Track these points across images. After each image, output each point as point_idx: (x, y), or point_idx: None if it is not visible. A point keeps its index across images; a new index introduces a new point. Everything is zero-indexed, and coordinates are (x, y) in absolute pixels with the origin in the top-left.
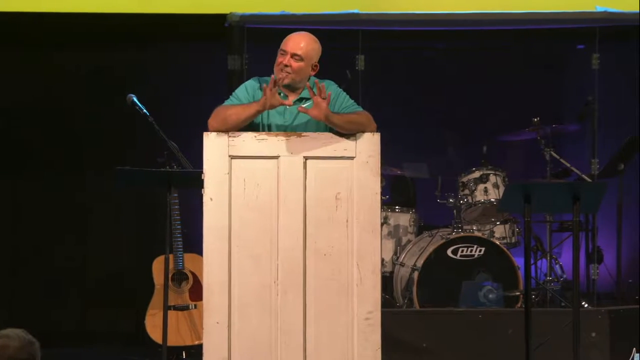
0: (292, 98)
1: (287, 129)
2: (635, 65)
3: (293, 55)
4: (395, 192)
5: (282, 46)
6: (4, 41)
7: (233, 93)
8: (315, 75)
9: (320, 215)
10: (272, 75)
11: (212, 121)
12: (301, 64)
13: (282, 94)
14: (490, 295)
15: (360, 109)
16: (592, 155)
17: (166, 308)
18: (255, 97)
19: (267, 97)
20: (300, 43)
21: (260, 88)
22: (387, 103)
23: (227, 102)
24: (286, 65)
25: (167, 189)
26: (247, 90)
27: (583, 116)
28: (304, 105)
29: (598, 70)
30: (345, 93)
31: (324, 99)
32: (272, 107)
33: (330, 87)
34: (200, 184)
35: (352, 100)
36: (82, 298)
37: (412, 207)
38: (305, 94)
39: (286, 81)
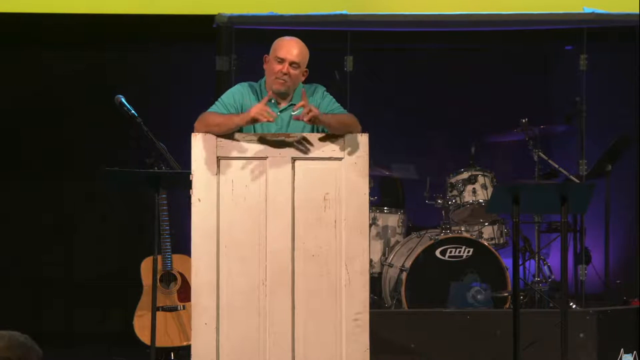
0: (283, 104)
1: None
2: (621, 65)
3: (291, 64)
4: (383, 193)
5: (277, 53)
6: None
7: (219, 99)
8: (304, 79)
9: (309, 216)
10: (270, 93)
11: (197, 126)
12: (297, 71)
13: (273, 101)
14: (479, 296)
15: (346, 112)
16: (580, 156)
17: (154, 309)
18: (243, 103)
19: (255, 114)
20: (294, 50)
21: (249, 94)
22: (375, 104)
23: (212, 108)
24: (285, 74)
25: (155, 189)
26: (234, 96)
27: (571, 117)
28: (294, 113)
29: (586, 71)
30: (331, 96)
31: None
32: (255, 122)
33: (318, 89)
34: (188, 184)
35: (338, 104)
36: (70, 298)
37: (400, 208)
38: (295, 100)
39: (283, 89)
